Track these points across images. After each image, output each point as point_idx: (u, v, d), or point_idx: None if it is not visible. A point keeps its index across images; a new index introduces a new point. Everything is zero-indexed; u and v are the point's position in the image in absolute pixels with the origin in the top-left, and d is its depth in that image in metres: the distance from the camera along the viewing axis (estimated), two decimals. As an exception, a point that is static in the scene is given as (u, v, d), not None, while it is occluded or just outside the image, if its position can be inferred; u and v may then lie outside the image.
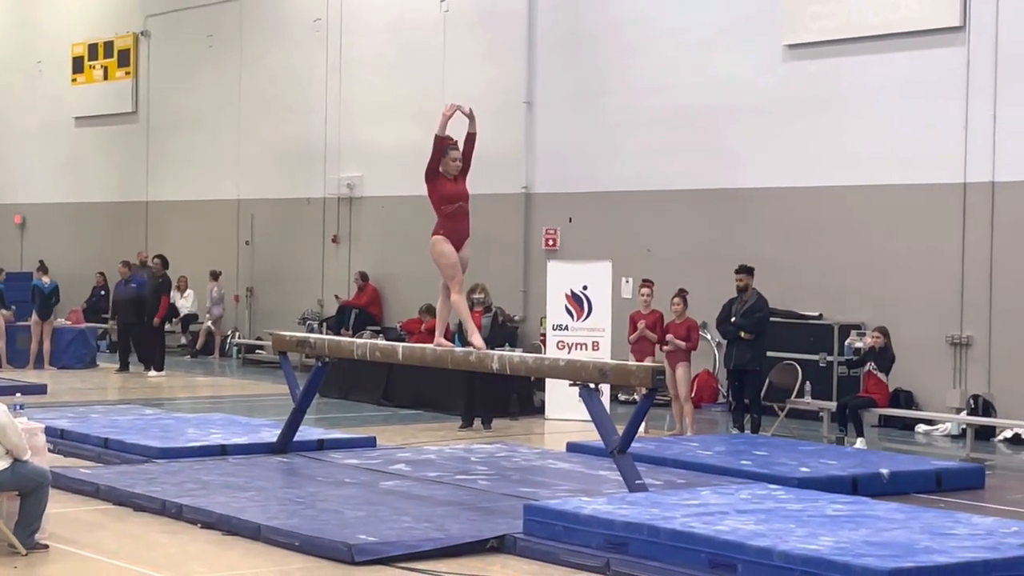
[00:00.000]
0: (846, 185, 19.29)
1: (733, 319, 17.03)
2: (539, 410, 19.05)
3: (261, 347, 26.72)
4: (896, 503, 11.04)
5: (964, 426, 16.87)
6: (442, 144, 11.70)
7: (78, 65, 32.97)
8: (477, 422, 17.67)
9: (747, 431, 16.72)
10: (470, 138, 11.85)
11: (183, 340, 28.72)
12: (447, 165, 11.72)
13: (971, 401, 17.79)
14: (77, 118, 33.05)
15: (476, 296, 17.73)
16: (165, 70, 30.83)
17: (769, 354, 17.48)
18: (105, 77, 32.26)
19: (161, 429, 15.12)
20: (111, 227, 31.84)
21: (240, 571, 9.58)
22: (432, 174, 11.77)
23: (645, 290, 17.53)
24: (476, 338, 12.08)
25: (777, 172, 20.01)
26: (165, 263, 24.72)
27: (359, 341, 14.68)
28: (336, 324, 25.18)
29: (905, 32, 18.65)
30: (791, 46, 19.90)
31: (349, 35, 26.47)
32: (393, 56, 25.68)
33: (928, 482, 13.16)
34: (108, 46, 32.15)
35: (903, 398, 18.20)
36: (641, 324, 17.19)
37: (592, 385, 11.43)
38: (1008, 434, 17.28)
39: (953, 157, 18.11)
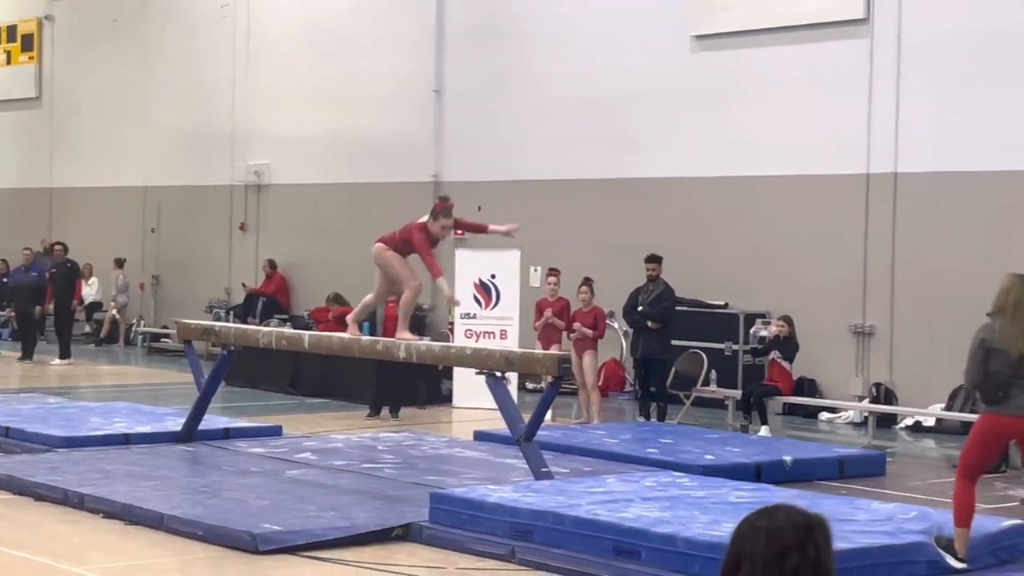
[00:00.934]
0: (752, 175, 19.44)
1: (640, 308, 17.11)
2: (447, 398, 19.03)
3: (167, 335, 26.48)
4: (798, 490, 11.19)
5: (866, 414, 17.09)
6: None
7: (-20, 49, 32.49)
8: (385, 411, 17.61)
9: (653, 419, 16.82)
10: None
11: (87, 328, 28.39)
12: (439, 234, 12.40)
13: (873, 389, 18.02)
14: (-21, 103, 32.56)
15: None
16: (69, 55, 30.42)
17: (675, 342, 17.60)
18: (8, 62, 31.77)
19: (64, 418, 14.94)
20: (14, 214, 31.36)
21: (142, 561, 9.49)
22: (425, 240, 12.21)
23: (552, 278, 17.57)
24: (405, 333, 12.31)
25: (684, 162, 20.13)
26: (66, 249, 24.42)
27: (265, 329, 14.61)
28: (243, 312, 25.02)
29: (811, 24, 18.83)
30: (699, 37, 20.02)
31: (257, 21, 26.26)
32: (302, 43, 25.51)
33: (830, 469, 13.32)
34: (11, 30, 31.65)
35: (807, 386, 18.39)
36: (548, 311, 17.21)
37: (499, 373, 11.47)
38: (909, 422, 17.52)
39: (856, 148, 18.31)
